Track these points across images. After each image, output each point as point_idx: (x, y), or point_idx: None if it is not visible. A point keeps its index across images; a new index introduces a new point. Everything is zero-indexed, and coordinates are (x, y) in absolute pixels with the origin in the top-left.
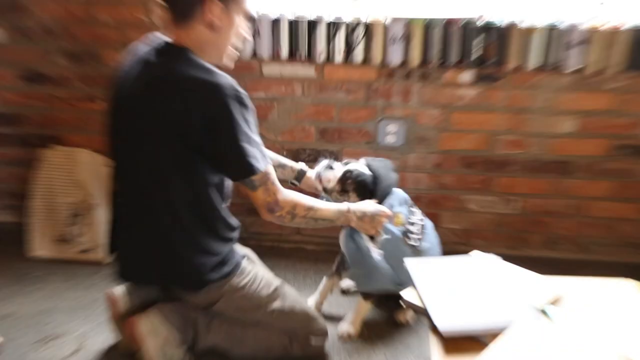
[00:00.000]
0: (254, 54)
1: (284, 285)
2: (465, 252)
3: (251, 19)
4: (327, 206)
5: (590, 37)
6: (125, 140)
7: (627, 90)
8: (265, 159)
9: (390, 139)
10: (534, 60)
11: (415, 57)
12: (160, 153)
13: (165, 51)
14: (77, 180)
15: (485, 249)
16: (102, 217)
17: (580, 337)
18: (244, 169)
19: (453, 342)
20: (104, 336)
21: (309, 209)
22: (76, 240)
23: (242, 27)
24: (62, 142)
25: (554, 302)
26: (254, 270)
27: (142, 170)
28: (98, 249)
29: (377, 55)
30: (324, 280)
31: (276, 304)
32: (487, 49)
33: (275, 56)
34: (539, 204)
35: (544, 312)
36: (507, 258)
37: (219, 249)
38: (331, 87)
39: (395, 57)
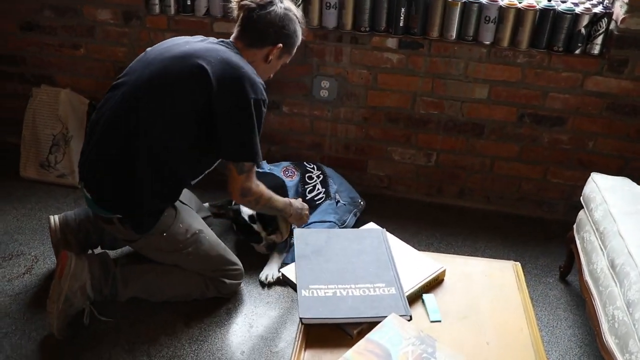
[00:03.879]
0: (207, 13)
1: (204, 231)
2: (388, 195)
3: None
4: (278, 199)
5: (506, 14)
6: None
7: (531, 65)
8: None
9: (323, 93)
10: (454, 31)
11: (349, 22)
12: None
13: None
14: (58, 115)
15: (405, 194)
16: (77, 147)
17: (439, 347)
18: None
19: (318, 330)
20: (53, 259)
21: (269, 199)
22: (55, 166)
23: (277, 70)
24: (53, 82)
25: (434, 283)
26: (177, 216)
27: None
28: (72, 175)
29: (314, 18)
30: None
31: (191, 248)
32: (412, 18)
33: (226, 16)
34: (453, 159)
35: (422, 299)
36: (425, 204)
37: (168, 203)
38: None
39: (330, 21)
